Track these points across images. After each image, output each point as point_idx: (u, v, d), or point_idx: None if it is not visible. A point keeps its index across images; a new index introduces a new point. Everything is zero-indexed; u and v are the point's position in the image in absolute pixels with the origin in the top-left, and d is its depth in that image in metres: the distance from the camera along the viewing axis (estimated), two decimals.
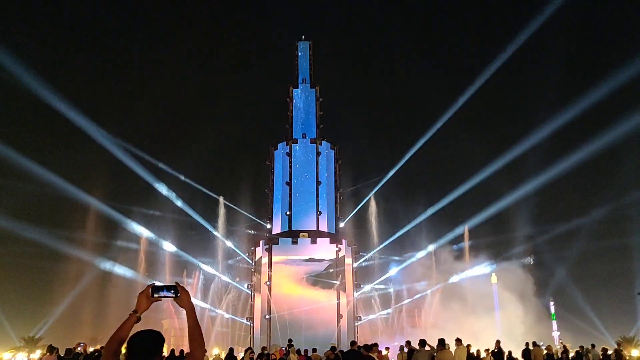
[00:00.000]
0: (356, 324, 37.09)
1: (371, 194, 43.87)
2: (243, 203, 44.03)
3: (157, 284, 3.81)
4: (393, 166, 43.75)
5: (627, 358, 27.10)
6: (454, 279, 40.66)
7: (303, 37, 43.16)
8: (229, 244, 43.48)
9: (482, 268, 41.37)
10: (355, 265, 38.77)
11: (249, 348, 23.14)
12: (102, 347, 19.91)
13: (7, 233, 40.07)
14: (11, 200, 47.05)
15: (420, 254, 43.94)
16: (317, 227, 38.00)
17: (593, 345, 26.31)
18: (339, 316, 35.30)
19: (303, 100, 41.34)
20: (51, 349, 18.45)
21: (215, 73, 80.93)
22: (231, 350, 22.48)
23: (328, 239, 37.30)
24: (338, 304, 35.51)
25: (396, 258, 45.35)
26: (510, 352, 25.28)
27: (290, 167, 39.30)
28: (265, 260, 36.83)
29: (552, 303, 41.72)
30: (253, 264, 38.85)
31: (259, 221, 41.74)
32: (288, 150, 39.70)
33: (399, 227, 45.47)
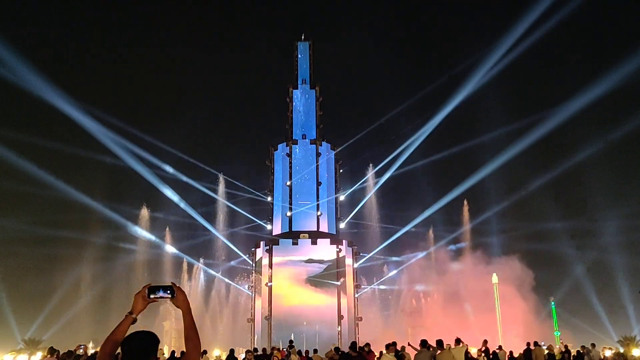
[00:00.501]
0: (357, 324, 37.05)
1: (371, 193, 43.89)
2: (243, 203, 44.10)
3: (153, 284, 3.80)
4: (393, 166, 43.79)
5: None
6: (454, 279, 40.60)
7: (303, 37, 43.19)
8: (229, 245, 43.56)
9: (483, 268, 41.31)
10: (355, 265, 38.76)
11: (248, 350, 23.11)
12: None
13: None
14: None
15: (421, 254, 43.99)
16: (318, 227, 38.00)
17: (593, 345, 26.29)
18: (340, 317, 35.28)
19: (303, 101, 41.35)
20: (52, 351, 18.46)
21: (214, 73, 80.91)
22: (232, 351, 22.47)
23: (328, 240, 37.29)
24: (339, 305, 35.49)
25: (396, 259, 45.39)
26: (511, 352, 25.27)
27: (291, 168, 39.31)
28: (265, 261, 36.82)
29: (552, 302, 41.56)
30: (253, 265, 38.86)
31: (259, 222, 41.77)
32: (288, 151, 39.72)
33: (398, 227, 45.52)
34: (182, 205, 43.47)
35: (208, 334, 38.64)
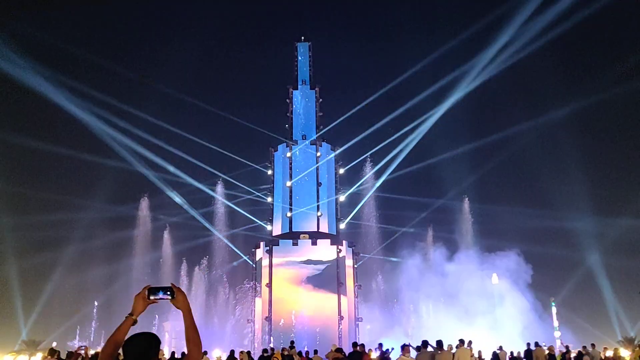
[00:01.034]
0: (357, 325, 37.04)
1: (370, 193, 43.89)
2: (243, 204, 44.10)
3: (153, 285, 3.81)
4: (392, 166, 43.79)
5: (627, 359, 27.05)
6: (454, 278, 40.54)
7: (302, 38, 43.23)
8: (230, 245, 43.59)
9: (482, 266, 41.24)
10: (356, 265, 38.76)
11: (242, 351, 23.12)
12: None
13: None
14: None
15: (420, 254, 43.99)
16: (318, 228, 38.01)
17: (593, 345, 26.26)
18: (340, 317, 35.28)
19: (303, 102, 41.37)
20: (52, 352, 18.43)
21: (213, 72, 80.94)
22: (232, 352, 22.48)
23: (329, 240, 37.29)
24: (339, 305, 35.49)
25: (395, 259, 45.40)
26: (512, 353, 25.26)
27: (291, 168, 39.33)
28: (265, 262, 36.82)
29: (553, 303, 41.60)
30: (254, 265, 38.86)
31: (260, 223, 41.78)
32: (288, 152, 39.74)
33: (397, 228, 45.54)
34: (184, 205, 43.53)
35: (209, 335, 38.62)
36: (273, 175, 40.64)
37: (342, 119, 43.38)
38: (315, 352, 23.67)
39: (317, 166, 39.29)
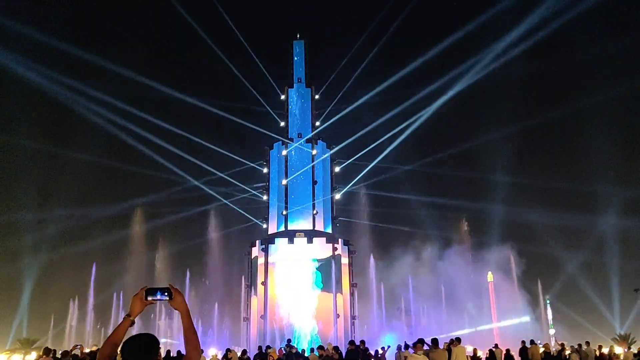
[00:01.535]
0: (353, 323, 37.08)
1: (367, 192, 43.90)
2: (238, 202, 44.05)
3: (151, 286, 3.79)
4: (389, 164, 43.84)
5: (622, 357, 27.17)
6: (449, 276, 40.66)
7: (298, 36, 43.19)
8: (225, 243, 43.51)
9: (477, 264, 41.37)
10: (351, 263, 38.79)
11: (228, 349, 23.10)
12: (97, 350, 19.84)
13: None
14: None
15: (417, 252, 44.06)
16: (314, 226, 38.01)
17: (587, 343, 26.36)
18: (336, 315, 35.30)
19: (298, 100, 41.34)
20: (47, 351, 18.34)
21: (207, 71, 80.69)
22: (227, 351, 22.46)
23: (324, 239, 37.30)
24: (335, 303, 35.51)
25: (390, 257, 45.47)
26: (508, 350, 25.31)
27: (286, 167, 39.30)
28: (261, 260, 36.81)
29: (548, 301, 41.82)
30: (249, 263, 38.83)
31: (256, 221, 41.77)
32: (284, 150, 39.71)
33: (396, 225, 45.60)
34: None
35: (204, 333, 38.59)
36: (269, 173, 40.63)
37: (337, 117, 43.38)
38: (312, 350, 23.67)
39: (313, 164, 39.28)
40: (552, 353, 25.12)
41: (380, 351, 23.35)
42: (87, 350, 21.11)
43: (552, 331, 44.77)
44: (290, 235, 37.30)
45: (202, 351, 22.68)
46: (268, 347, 23.87)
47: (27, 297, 42.35)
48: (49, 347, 19.55)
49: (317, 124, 41.87)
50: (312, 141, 39.95)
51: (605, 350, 25.13)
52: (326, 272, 36.05)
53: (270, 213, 39.69)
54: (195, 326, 3.69)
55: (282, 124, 41.66)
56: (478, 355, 25.34)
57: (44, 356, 18.15)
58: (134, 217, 44.63)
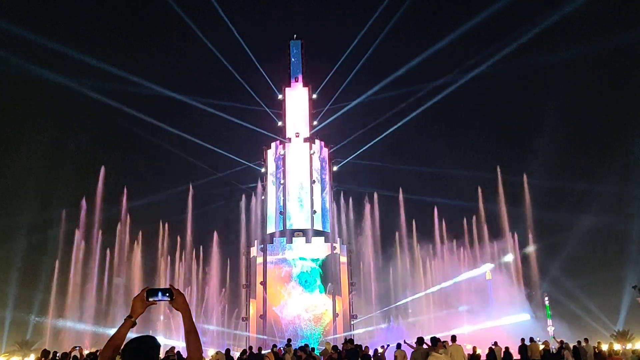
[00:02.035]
0: (352, 323, 37.08)
1: (366, 191, 43.90)
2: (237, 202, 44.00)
3: (152, 287, 3.76)
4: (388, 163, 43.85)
5: (621, 352, 27.25)
6: (450, 277, 40.63)
7: (295, 36, 43.16)
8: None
9: (480, 268, 41.24)
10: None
11: (219, 351, 23.04)
12: (97, 350, 19.78)
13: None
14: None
15: (417, 253, 44.11)
16: (312, 225, 37.99)
17: (586, 340, 26.37)
18: (335, 315, 35.29)
19: (296, 100, 41.30)
20: (45, 353, 18.25)
21: (205, 71, 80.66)
22: (228, 350, 22.41)
23: (323, 238, 37.29)
24: (333, 303, 35.50)
25: (387, 256, 45.50)
26: (507, 348, 25.30)
27: (284, 166, 39.26)
28: (260, 260, 36.77)
29: (546, 298, 41.83)
30: (248, 263, 38.80)
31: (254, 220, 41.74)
32: (282, 150, 39.67)
33: (395, 224, 45.58)
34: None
35: (203, 333, 38.54)
36: (266, 173, 40.60)
37: (335, 116, 43.44)
38: (312, 349, 23.64)
39: (311, 164, 39.24)
40: (551, 351, 25.17)
41: (380, 350, 23.34)
42: (86, 352, 21.05)
43: (550, 329, 44.83)
44: (289, 234, 37.27)
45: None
46: (274, 345, 23.66)
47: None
48: (47, 349, 19.47)
49: (315, 123, 41.88)
50: (309, 140, 39.92)
51: (604, 347, 25.18)
52: (325, 271, 36.02)
53: (268, 213, 39.65)
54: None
55: (280, 123, 41.63)
56: (477, 353, 25.32)
57: (43, 359, 18.05)
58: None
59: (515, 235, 44.16)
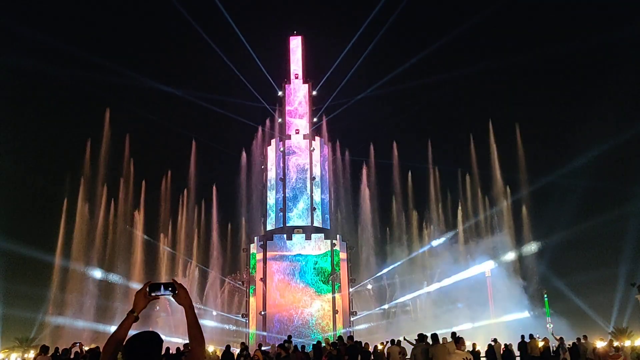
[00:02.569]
0: (352, 319, 37.13)
1: (364, 189, 43.97)
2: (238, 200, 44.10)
3: (154, 282, 3.75)
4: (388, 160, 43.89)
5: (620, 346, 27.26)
6: (450, 276, 40.64)
7: (295, 32, 43.02)
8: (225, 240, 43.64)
9: (480, 266, 41.23)
10: (349, 259, 38.84)
11: (245, 347, 23.06)
12: (97, 347, 19.80)
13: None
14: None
15: (416, 250, 44.20)
16: (312, 222, 37.98)
17: (585, 337, 26.45)
18: (335, 311, 35.32)
19: (296, 97, 41.22)
20: (44, 349, 18.26)
21: (204, 67, 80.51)
22: (228, 347, 22.46)
23: (323, 235, 37.29)
24: (333, 299, 35.54)
25: (386, 254, 45.63)
26: (509, 345, 25.34)
27: (284, 163, 39.22)
28: (260, 256, 36.79)
29: (545, 295, 41.85)
30: (248, 260, 38.82)
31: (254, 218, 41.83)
32: (282, 147, 39.64)
33: (394, 223, 45.68)
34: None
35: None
36: (266, 170, 40.59)
37: (335, 113, 43.42)
38: (303, 347, 23.66)
39: (311, 161, 39.20)
40: (551, 348, 25.22)
41: (380, 346, 23.39)
42: (86, 348, 21.08)
43: (549, 325, 44.89)
44: (289, 231, 37.26)
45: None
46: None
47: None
48: (46, 344, 19.49)
49: (315, 120, 41.83)
50: (309, 137, 39.89)
51: (603, 344, 25.23)
52: (324, 268, 36.02)
53: (268, 210, 39.65)
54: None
55: (280, 120, 41.59)
56: (477, 349, 25.38)
57: (42, 355, 18.04)
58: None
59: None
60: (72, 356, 19.70)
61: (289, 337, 24.69)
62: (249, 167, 42.44)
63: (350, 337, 20.45)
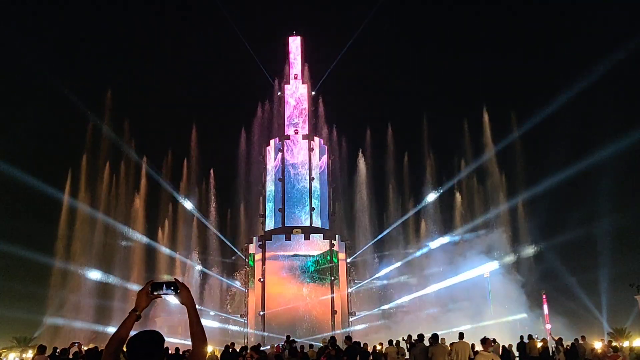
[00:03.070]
0: (350, 320, 37.11)
1: (363, 188, 44.00)
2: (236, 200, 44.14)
3: (157, 281, 3.74)
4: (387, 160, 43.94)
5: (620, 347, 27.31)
6: (451, 276, 40.63)
7: (294, 32, 43.02)
8: (224, 239, 43.66)
9: (481, 268, 41.20)
10: (348, 260, 38.83)
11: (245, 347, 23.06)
12: (96, 347, 19.77)
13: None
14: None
15: (416, 250, 44.20)
16: (311, 223, 37.97)
17: (583, 337, 26.43)
18: (333, 312, 35.29)
19: (295, 97, 41.21)
20: (42, 349, 18.18)
21: (203, 68, 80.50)
22: (227, 347, 22.41)
23: (321, 235, 37.26)
24: (332, 300, 35.50)
25: (387, 253, 45.65)
26: (510, 346, 25.32)
27: (283, 163, 39.19)
28: (258, 256, 36.75)
29: (544, 295, 41.86)
30: (247, 260, 38.77)
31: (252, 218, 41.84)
32: (280, 147, 39.61)
33: (393, 223, 45.71)
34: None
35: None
36: (265, 169, 40.57)
37: (334, 113, 43.47)
38: (311, 346, 23.69)
39: (310, 161, 39.19)
40: (550, 349, 25.22)
41: (379, 347, 23.40)
42: (85, 348, 21.04)
43: (547, 326, 44.88)
44: (288, 231, 37.22)
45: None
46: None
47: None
48: (43, 344, 19.41)
49: (314, 120, 41.87)
50: (308, 137, 39.87)
51: (601, 345, 25.28)
52: (323, 268, 36.00)
53: (267, 210, 39.62)
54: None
55: (279, 120, 41.62)
56: (477, 350, 25.37)
57: (39, 354, 17.93)
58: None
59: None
60: (71, 356, 19.64)
61: (288, 337, 24.65)
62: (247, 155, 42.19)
63: (349, 338, 20.40)
